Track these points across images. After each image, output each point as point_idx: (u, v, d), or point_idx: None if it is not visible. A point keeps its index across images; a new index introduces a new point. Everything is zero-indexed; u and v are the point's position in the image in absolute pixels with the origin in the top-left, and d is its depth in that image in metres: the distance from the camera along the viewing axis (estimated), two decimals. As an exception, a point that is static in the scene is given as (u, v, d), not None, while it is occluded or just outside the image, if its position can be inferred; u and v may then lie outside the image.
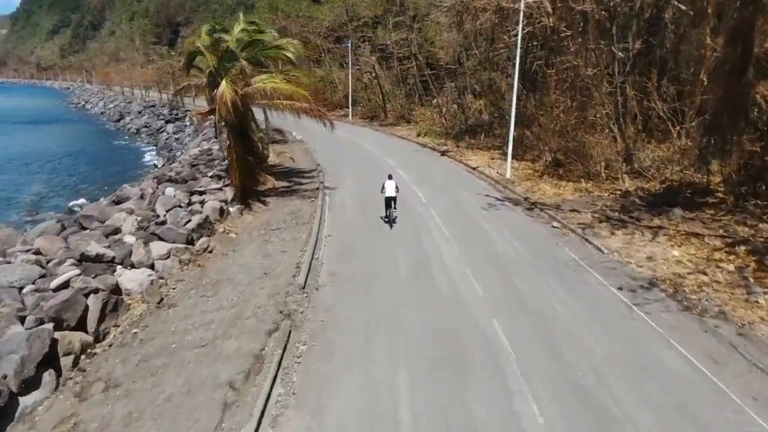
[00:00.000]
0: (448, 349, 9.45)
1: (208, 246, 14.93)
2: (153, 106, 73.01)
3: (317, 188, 22.44)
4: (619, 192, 20.07)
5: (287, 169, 28.33)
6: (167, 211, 15.95)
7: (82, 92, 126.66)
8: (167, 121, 59.05)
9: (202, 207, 17.06)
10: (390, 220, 16.65)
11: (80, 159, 45.95)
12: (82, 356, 9.46)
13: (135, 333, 10.49)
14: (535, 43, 30.36)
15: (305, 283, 12.48)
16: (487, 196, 21.03)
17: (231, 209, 18.63)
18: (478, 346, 9.54)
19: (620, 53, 20.85)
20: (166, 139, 53.42)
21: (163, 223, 15.20)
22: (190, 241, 14.78)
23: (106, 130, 68.78)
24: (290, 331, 10.02)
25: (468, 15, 29.28)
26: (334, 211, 19.00)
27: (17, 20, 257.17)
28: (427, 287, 12.16)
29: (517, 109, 24.93)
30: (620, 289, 11.96)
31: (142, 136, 60.20)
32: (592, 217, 17.32)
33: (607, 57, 22.35)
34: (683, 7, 21.44)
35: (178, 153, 41.42)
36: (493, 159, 28.82)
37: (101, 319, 10.26)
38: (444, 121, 40.18)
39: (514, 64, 28.50)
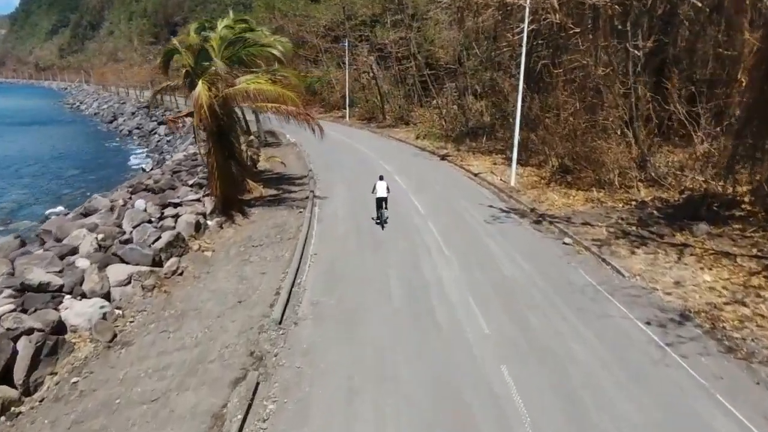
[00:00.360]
0: (449, 409, 7.77)
1: (177, 268, 13.25)
2: (147, 106, 71.34)
3: (307, 197, 20.77)
4: (634, 203, 18.39)
5: (277, 175, 26.69)
6: (134, 228, 14.28)
7: (78, 93, 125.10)
8: (159, 123, 57.40)
9: (175, 222, 15.39)
10: (381, 221, 16.46)
11: (67, 162, 44.28)
12: (2, 417, 7.79)
13: (75, 383, 8.81)
14: (540, 42, 28.69)
15: (282, 316, 10.80)
16: (490, 206, 19.35)
17: (209, 222, 16.96)
18: (485, 405, 7.85)
19: (636, 51, 19.13)
20: (158, 141, 51.81)
21: (128, 241, 13.53)
22: (158, 263, 13.12)
23: (98, 131, 67.14)
24: (257, 384, 8.34)
25: (469, 12, 27.62)
26: (323, 224, 17.33)
27: (16, 20, 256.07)
28: (424, 322, 10.47)
29: (521, 111, 23.33)
30: (648, 323, 10.28)
31: (134, 137, 58.56)
32: (608, 233, 15.63)
33: (621, 55, 20.68)
34: (699, 4, 19.80)
35: (168, 156, 39.80)
36: (495, 164, 27.16)
37: (33, 367, 8.60)
38: (444, 123, 38.58)
39: (518, 64, 26.86)
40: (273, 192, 22.50)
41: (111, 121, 72.69)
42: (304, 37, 60.68)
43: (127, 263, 12.53)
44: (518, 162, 26.12)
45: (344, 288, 12.11)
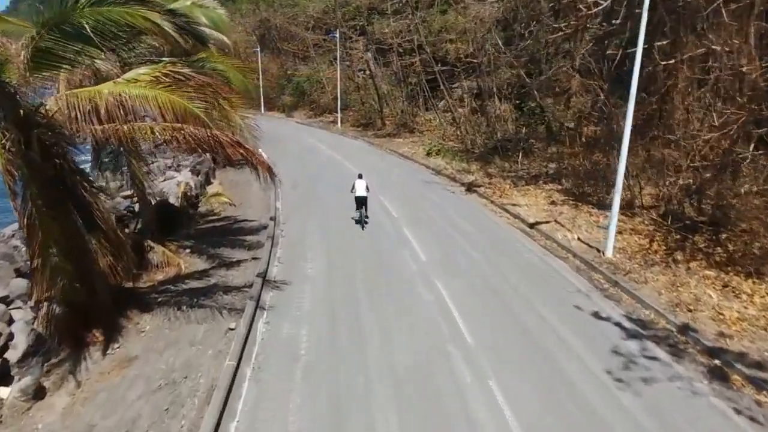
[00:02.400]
0: None
1: None
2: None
3: (252, 285, 11.50)
4: None
5: (222, 223, 17.40)
6: None
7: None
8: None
9: None
10: (362, 221, 15.41)
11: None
12: None
13: None
14: (615, 22, 19.46)
15: None
16: (596, 316, 10.09)
17: (8, 391, 7.65)
18: None
19: None
20: (110, 152, 42.63)
21: None
22: None
23: (51, 139, 57.77)
24: None
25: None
26: (263, 384, 8.00)
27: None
28: None
29: (602, 122, 14.30)
30: None
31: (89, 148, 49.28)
32: None
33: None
34: None
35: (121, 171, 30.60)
36: (554, 203, 17.94)
37: None
38: (459, 133, 29.59)
39: (590, 53, 17.98)
40: (201, 265, 13.29)
41: (70, 127, 63.51)
42: (292, 30, 52.15)
43: None
44: (573, 195, 17.31)
45: None
